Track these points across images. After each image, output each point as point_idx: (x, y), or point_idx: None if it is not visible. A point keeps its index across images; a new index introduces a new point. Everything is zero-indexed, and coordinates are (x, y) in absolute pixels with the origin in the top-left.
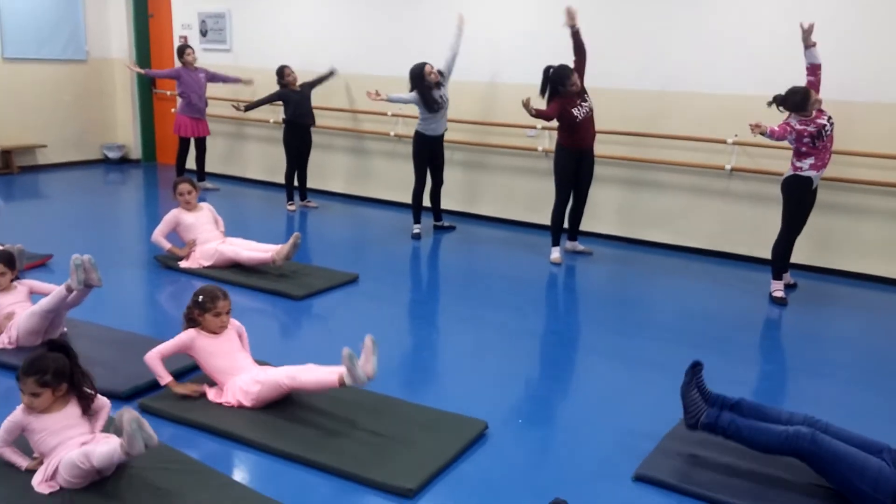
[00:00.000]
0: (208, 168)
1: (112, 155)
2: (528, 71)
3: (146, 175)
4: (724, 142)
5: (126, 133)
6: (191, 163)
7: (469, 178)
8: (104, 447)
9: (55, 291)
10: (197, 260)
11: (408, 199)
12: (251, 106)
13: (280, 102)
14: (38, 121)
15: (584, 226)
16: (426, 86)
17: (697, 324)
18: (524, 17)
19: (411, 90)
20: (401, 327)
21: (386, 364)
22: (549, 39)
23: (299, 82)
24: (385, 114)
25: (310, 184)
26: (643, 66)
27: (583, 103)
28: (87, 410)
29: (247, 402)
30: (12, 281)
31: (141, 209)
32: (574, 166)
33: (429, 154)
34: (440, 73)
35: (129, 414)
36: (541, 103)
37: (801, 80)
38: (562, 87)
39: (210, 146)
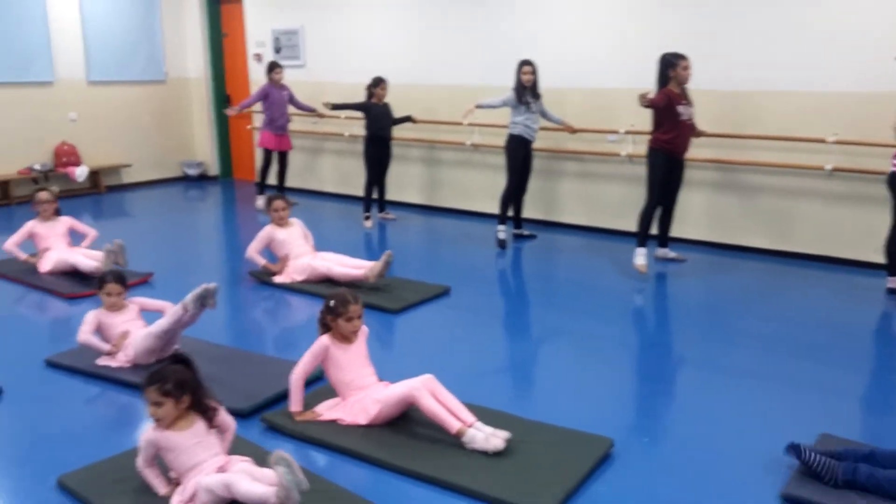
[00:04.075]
0: (287, 183)
1: (191, 172)
2: (608, 77)
3: (224, 190)
4: (824, 141)
5: (204, 150)
6: (271, 178)
7: (549, 186)
8: (256, 488)
9: (171, 312)
10: (290, 275)
11: (483, 208)
12: (338, 106)
13: (362, 116)
14: (123, 141)
15: (674, 232)
16: (520, 80)
17: (806, 332)
18: (604, 24)
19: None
20: (499, 340)
21: (491, 378)
22: (630, 44)
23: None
24: (460, 123)
25: (386, 195)
26: (734, 66)
27: (688, 106)
28: (212, 424)
29: (364, 421)
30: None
31: (224, 224)
32: (668, 170)
33: (522, 158)
34: (540, 103)
35: (283, 465)
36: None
37: None
38: (672, 69)
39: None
